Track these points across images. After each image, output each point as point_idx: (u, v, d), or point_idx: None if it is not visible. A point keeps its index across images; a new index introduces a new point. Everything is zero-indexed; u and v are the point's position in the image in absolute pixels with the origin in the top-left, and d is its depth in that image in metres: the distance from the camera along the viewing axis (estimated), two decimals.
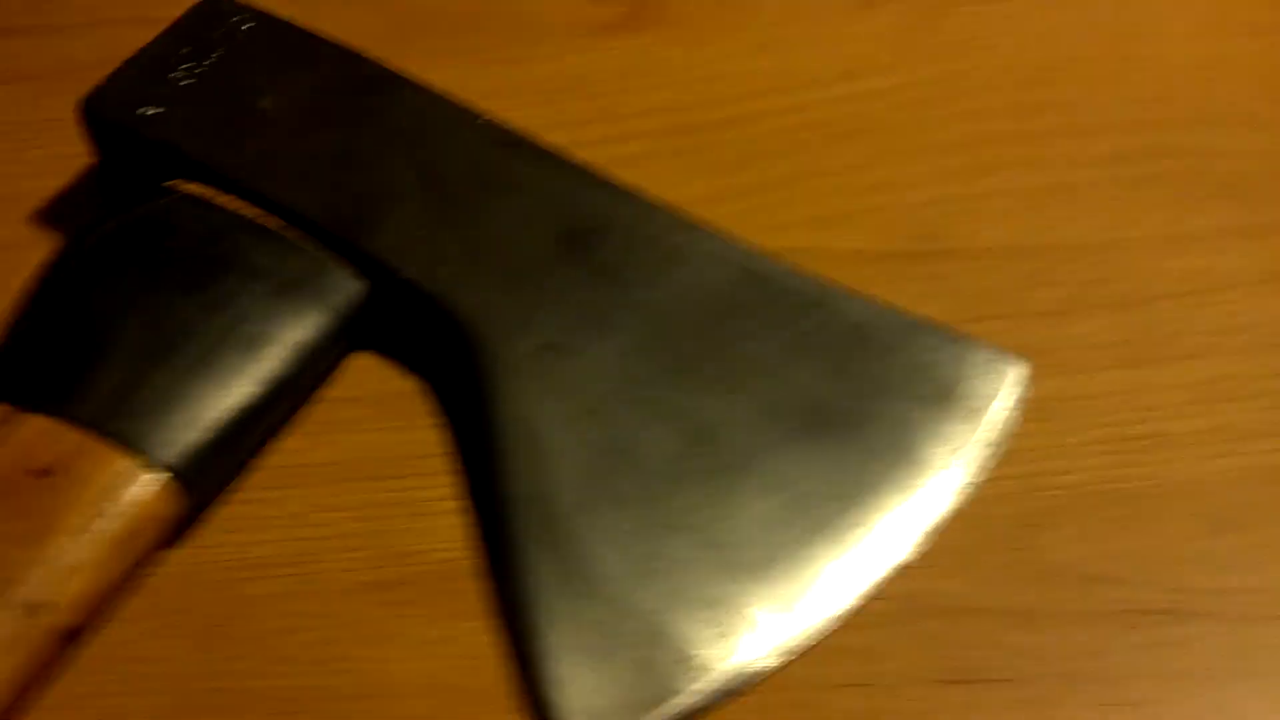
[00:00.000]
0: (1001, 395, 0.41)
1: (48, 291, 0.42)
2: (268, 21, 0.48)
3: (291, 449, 0.43)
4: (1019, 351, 0.43)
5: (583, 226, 0.44)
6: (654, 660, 0.37)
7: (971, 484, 0.40)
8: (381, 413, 0.44)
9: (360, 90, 0.47)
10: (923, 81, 0.54)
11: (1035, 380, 0.43)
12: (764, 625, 0.37)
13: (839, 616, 0.38)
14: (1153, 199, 0.49)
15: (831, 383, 0.41)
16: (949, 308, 0.45)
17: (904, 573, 0.39)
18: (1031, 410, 0.43)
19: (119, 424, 0.38)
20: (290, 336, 0.41)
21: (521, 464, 0.40)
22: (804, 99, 0.53)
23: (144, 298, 0.41)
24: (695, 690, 0.36)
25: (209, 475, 0.40)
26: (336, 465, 0.43)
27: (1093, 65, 0.54)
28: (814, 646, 0.38)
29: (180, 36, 0.47)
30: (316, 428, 0.44)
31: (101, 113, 0.46)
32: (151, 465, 0.38)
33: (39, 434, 0.38)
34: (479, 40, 0.56)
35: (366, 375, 0.45)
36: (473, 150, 0.46)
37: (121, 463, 0.38)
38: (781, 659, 0.37)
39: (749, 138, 0.52)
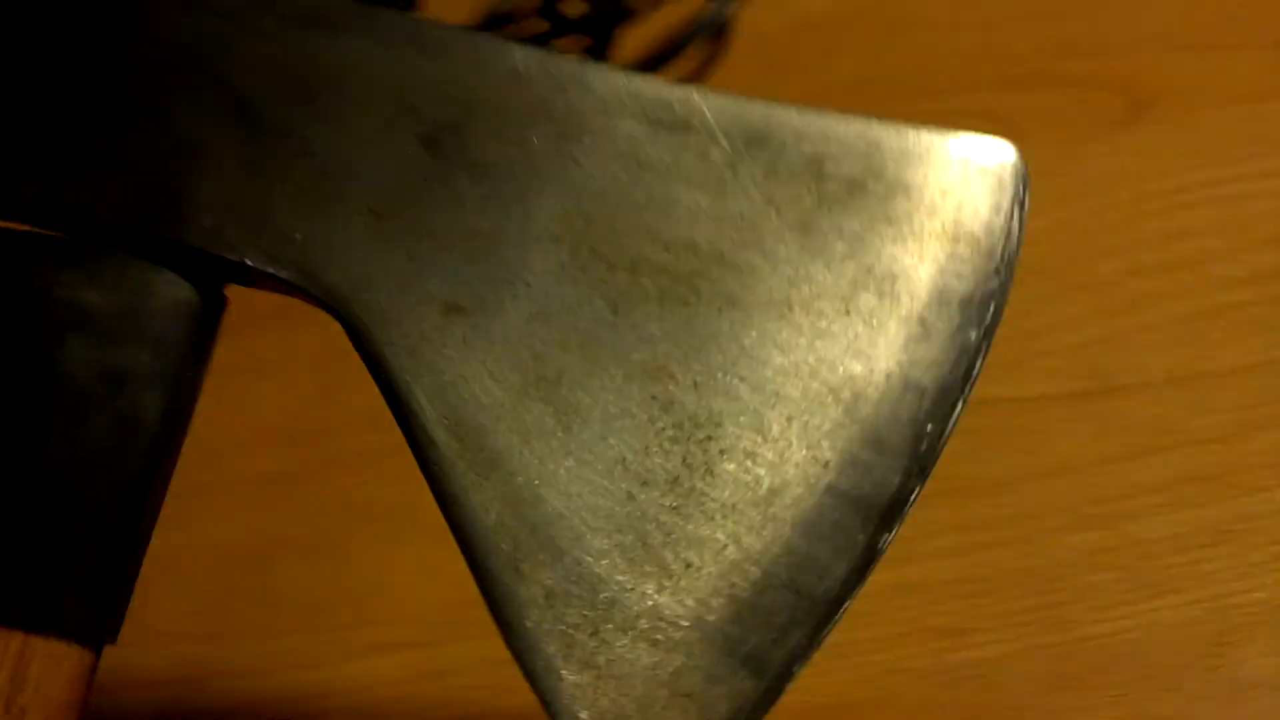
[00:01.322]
0: (1009, 209, 0.34)
1: None
2: None
3: None
4: (1193, 476, 0.49)
5: (445, 117, 0.33)
6: None
7: (988, 342, 0.35)
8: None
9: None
10: (1068, 221, 0.59)
11: (1213, 504, 0.48)
12: None
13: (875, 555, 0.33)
14: None
15: (804, 251, 0.33)
16: (1125, 444, 0.50)
17: (1115, 697, 0.45)
18: (1211, 535, 0.48)
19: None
20: (140, 395, 0.32)
21: (473, 479, 0.32)
22: None
23: None
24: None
25: (118, 609, 0.33)
26: None
27: (1228, 187, 0.59)
28: None
29: None
30: None
31: None
32: (56, 634, 0.31)
33: None
34: None
35: None
36: (277, 47, 0.34)
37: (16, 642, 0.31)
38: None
39: None
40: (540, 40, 0.77)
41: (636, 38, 0.74)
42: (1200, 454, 0.50)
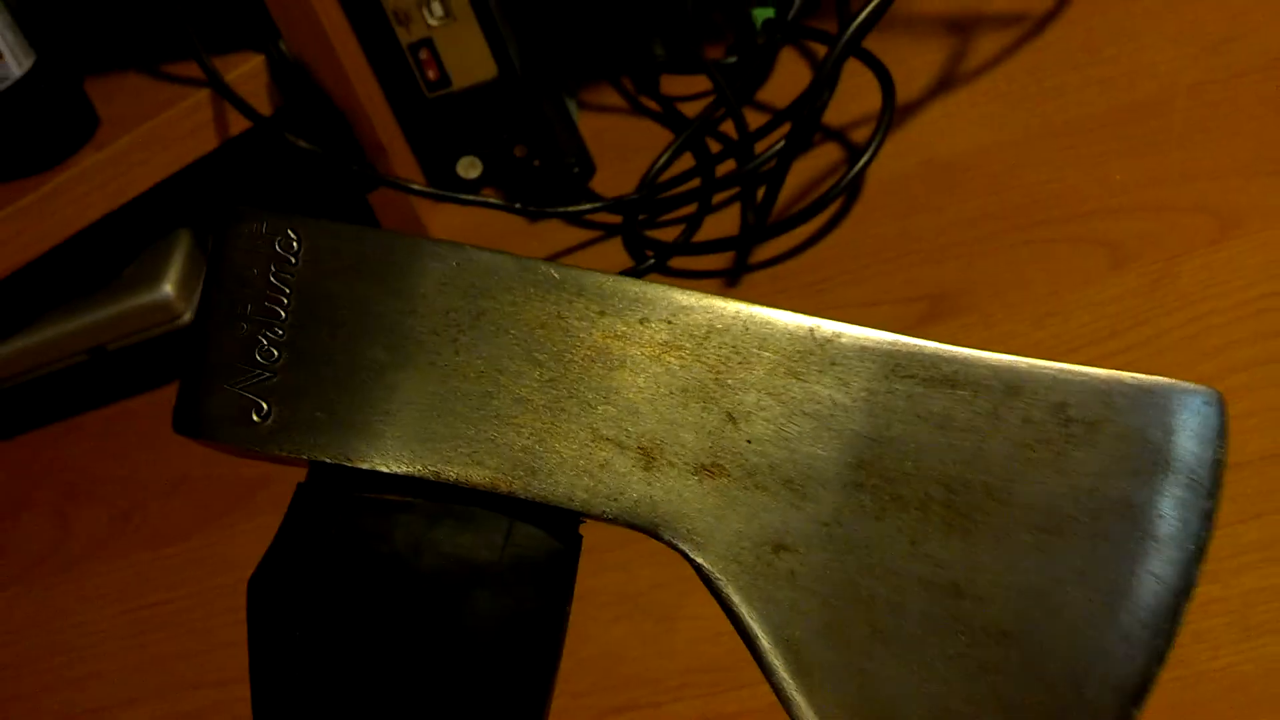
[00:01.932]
0: (1214, 443, 0.39)
1: (277, 672, 0.38)
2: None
3: None
4: None
5: (741, 393, 0.38)
6: None
7: (1205, 552, 0.39)
8: None
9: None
10: (1175, 326, 0.70)
11: None
12: None
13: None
14: None
15: (1057, 483, 0.38)
16: (1231, 512, 0.58)
17: None
18: None
19: None
20: (535, 631, 0.38)
21: (807, 689, 0.37)
22: (1081, 359, 0.68)
23: (381, 648, 0.37)
24: None
25: None
26: None
27: None
28: None
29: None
30: None
31: (202, 438, 0.39)
32: None
33: None
34: None
35: None
36: (577, 325, 0.39)
37: None
38: None
39: None
40: (700, 194, 0.89)
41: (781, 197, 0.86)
42: None
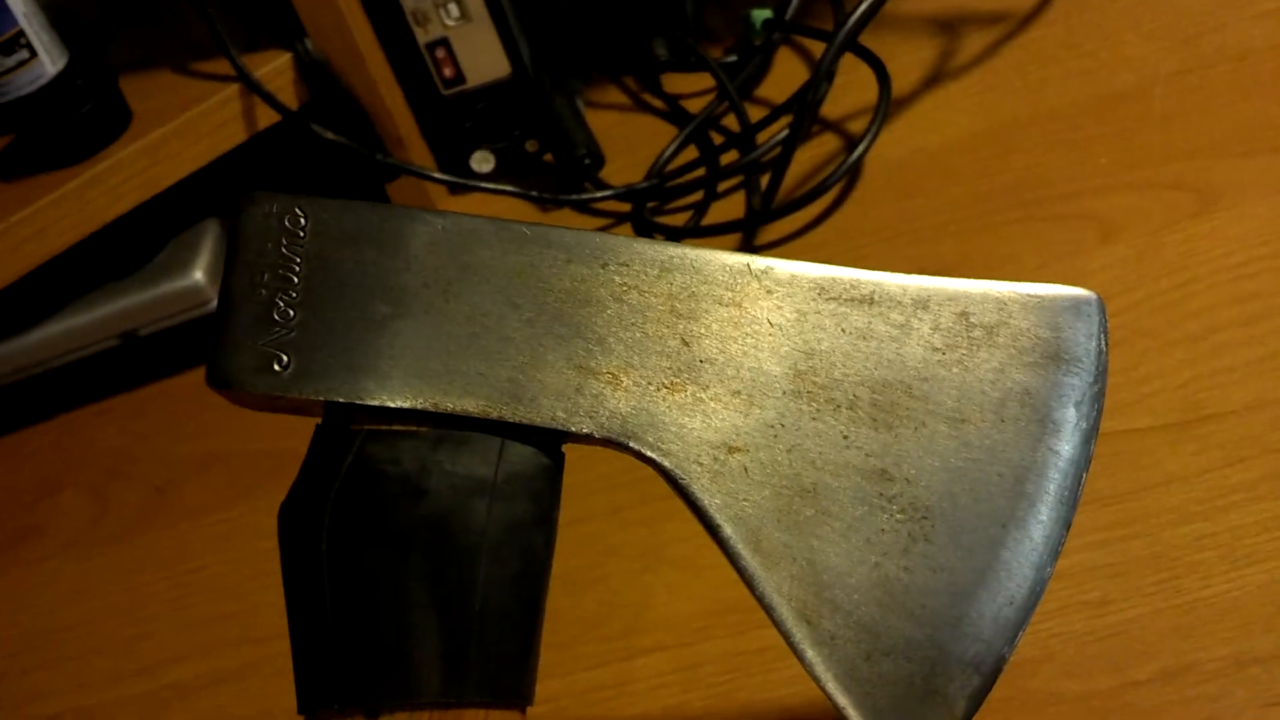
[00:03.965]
0: (1096, 336, 0.44)
1: (308, 586, 0.42)
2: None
3: None
4: (1271, 475, 0.63)
5: (690, 321, 0.43)
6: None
7: (1096, 428, 0.44)
8: None
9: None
10: (1161, 292, 0.75)
11: None
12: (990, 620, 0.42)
13: (1044, 582, 0.43)
14: None
15: (964, 379, 0.43)
16: (1217, 457, 0.65)
17: (1223, 640, 0.59)
18: None
19: (465, 687, 0.41)
20: (530, 534, 0.43)
21: (766, 565, 0.42)
22: None
23: (399, 555, 0.41)
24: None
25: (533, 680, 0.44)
26: None
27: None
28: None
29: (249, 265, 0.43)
30: None
31: (231, 389, 0.43)
32: (508, 706, 0.42)
33: None
34: None
35: None
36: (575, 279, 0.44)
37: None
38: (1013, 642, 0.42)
39: None
40: (706, 182, 0.94)
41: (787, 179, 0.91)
42: (1275, 460, 0.65)
